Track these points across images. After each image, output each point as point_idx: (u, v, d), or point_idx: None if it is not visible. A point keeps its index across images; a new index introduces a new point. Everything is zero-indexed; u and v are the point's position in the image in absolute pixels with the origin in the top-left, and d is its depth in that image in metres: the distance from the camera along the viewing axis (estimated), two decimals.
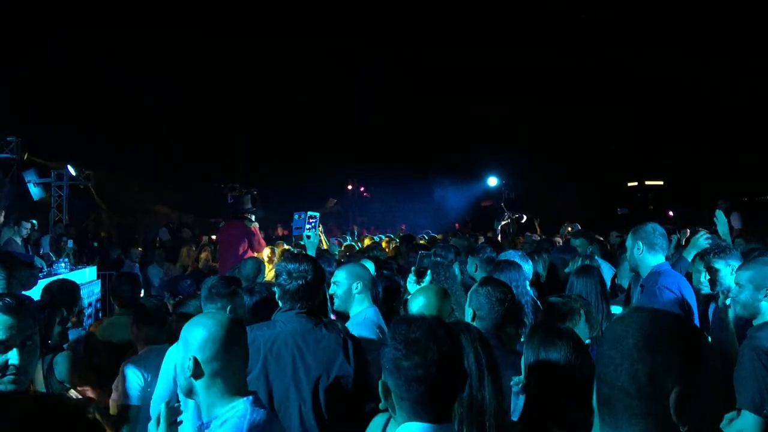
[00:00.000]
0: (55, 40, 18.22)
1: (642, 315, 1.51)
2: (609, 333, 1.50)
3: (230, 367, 2.26)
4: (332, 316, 4.27)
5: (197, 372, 2.22)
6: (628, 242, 4.33)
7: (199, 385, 2.24)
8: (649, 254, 4.21)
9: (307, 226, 5.13)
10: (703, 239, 5.26)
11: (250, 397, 2.27)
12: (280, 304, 3.25)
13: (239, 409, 2.22)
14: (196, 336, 2.25)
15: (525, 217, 10.95)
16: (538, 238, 9.17)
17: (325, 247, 8.20)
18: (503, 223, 10.53)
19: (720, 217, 5.90)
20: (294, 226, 5.62)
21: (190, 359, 2.22)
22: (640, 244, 4.21)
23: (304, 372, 3.02)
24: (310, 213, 5.21)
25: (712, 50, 21.83)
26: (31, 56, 17.56)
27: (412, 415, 1.79)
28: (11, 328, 2.15)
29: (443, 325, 1.91)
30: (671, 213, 18.97)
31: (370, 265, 5.58)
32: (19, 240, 9.55)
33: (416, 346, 1.79)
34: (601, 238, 7.84)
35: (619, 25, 22.91)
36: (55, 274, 8.23)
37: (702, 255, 4.64)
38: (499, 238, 10.10)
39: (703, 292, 4.60)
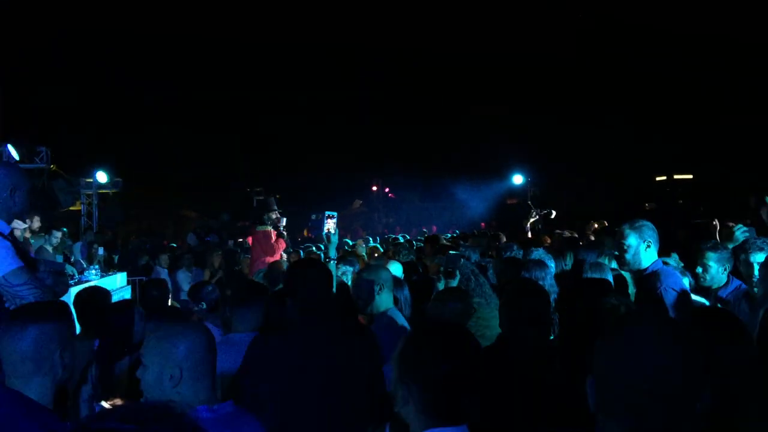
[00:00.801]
0: (73, 48, 18.47)
1: (671, 321, 1.52)
2: (643, 340, 1.46)
3: (190, 377, 2.31)
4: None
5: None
6: (631, 240, 4.17)
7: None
8: (649, 252, 4.13)
9: (327, 227, 5.07)
10: (740, 232, 5.18)
11: (205, 406, 2.31)
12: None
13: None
14: (169, 349, 2.33)
15: (554, 213, 10.75)
16: (569, 235, 9.05)
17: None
18: (532, 220, 10.39)
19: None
20: (311, 226, 5.63)
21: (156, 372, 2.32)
22: (651, 242, 4.12)
23: (321, 378, 3.00)
24: (327, 213, 5.15)
25: (739, 44, 21.51)
26: (50, 63, 17.83)
27: (437, 420, 1.78)
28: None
29: (464, 331, 1.91)
30: (701, 207, 18.65)
31: (398, 267, 5.58)
32: (50, 248, 9.70)
33: (446, 352, 1.80)
34: None
35: (644, 20, 22.66)
36: (86, 281, 8.36)
37: (749, 247, 4.56)
38: (529, 235, 9.99)
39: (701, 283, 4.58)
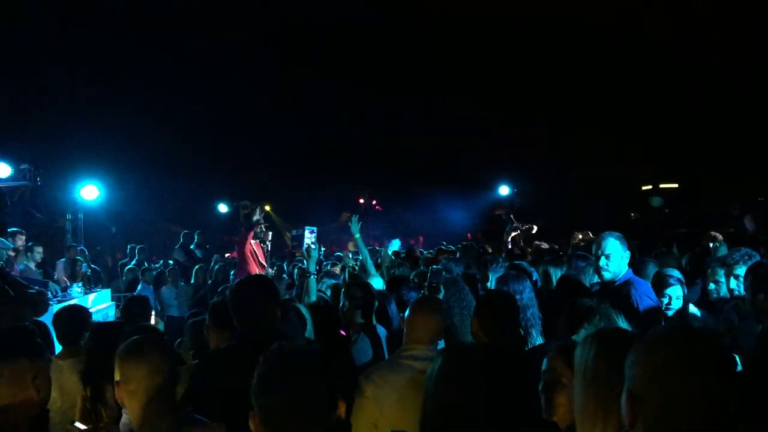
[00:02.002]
0: (59, 60, 18.36)
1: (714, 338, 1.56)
2: (694, 359, 1.44)
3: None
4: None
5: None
6: (613, 249, 4.20)
7: None
8: (624, 262, 4.17)
9: (307, 241, 5.10)
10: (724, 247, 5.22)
11: None
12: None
13: None
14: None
15: (536, 228, 10.68)
16: (547, 247, 9.07)
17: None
18: (513, 234, 10.33)
19: None
20: (293, 241, 5.67)
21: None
22: (629, 253, 4.17)
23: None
24: (308, 228, 5.19)
25: (723, 50, 21.74)
26: (35, 79, 17.73)
27: None
28: None
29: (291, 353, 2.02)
30: (685, 216, 18.79)
31: (378, 282, 5.57)
32: (33, 265, 9.62)
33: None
34: None
35: (630, 29, 22.84)
36: (69, 299, 8.29)
37: (721, 261, 4.59)
38: (509, 247, 9.96)
39: (713, 297, 4.57)
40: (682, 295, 4.41)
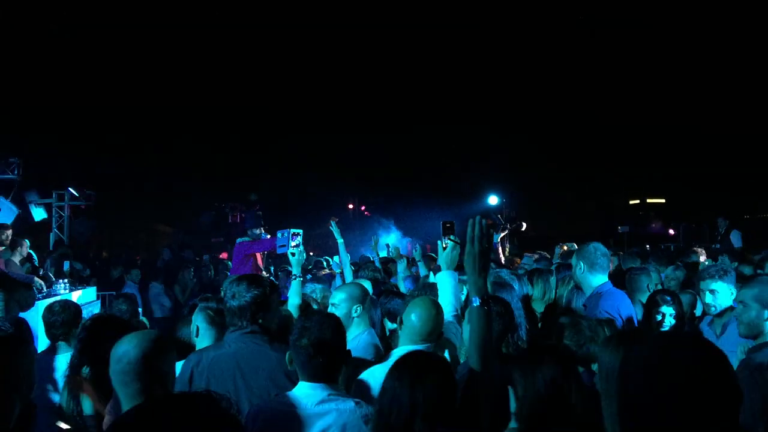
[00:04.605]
0: (45, 55, 18.21)
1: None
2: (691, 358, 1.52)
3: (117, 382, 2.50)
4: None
5: None
6: (573, 261, 4.33)
7: None
8: (590, 274, 4.21)
9: (292, 244, 5.09)
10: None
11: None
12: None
13: None
14: None
15: (524, 225, 10.53)
16: (538, 257, 9.07)
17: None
18: (501, 235, 10.19)
19: None
20: (278, 244, 5.59)
21: None
22: (582, 264, 4.22)
23: (245, 393, 2.98)
24: (293, 230, 5.18)
25: (712, 69, 21.96)
26: (29, 74, 17.58)
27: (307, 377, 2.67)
28: None
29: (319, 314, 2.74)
30: (672, 231, 18.92)
31: (368, 285, 5.54)
32: (18, 260, 9.51)
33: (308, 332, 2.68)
34: None
35: (616, 42, 23.04)
36: (55, 295, 8.23)
37: (702, 275, 4.59)
38: (500, 253, 9.91)
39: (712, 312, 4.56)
40: (675, 313, 4.42)
